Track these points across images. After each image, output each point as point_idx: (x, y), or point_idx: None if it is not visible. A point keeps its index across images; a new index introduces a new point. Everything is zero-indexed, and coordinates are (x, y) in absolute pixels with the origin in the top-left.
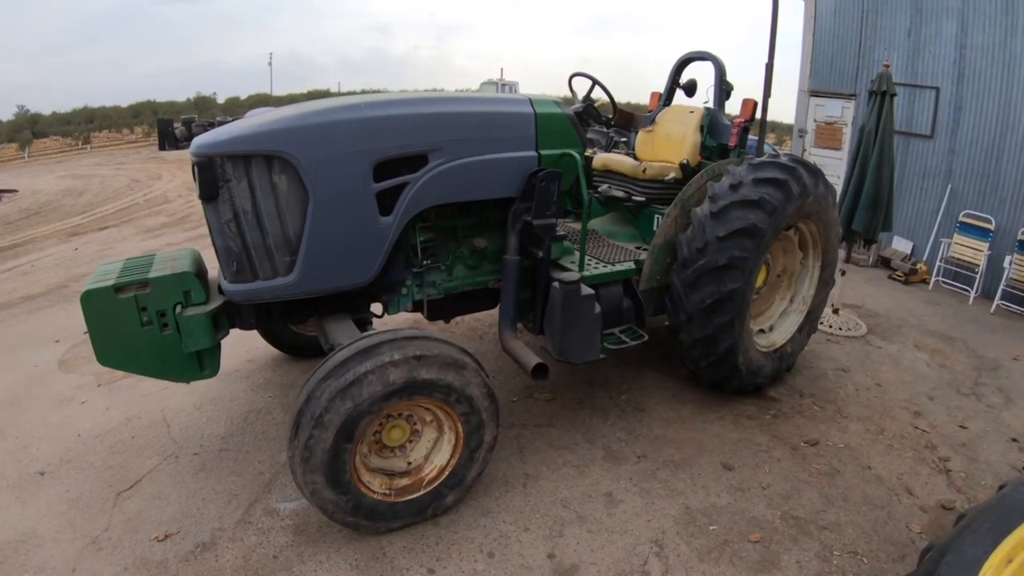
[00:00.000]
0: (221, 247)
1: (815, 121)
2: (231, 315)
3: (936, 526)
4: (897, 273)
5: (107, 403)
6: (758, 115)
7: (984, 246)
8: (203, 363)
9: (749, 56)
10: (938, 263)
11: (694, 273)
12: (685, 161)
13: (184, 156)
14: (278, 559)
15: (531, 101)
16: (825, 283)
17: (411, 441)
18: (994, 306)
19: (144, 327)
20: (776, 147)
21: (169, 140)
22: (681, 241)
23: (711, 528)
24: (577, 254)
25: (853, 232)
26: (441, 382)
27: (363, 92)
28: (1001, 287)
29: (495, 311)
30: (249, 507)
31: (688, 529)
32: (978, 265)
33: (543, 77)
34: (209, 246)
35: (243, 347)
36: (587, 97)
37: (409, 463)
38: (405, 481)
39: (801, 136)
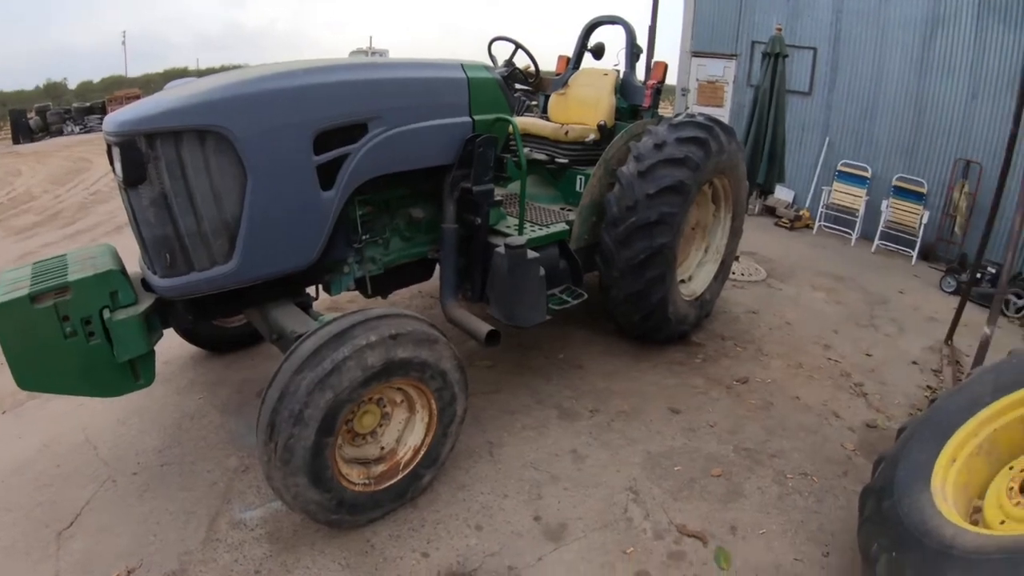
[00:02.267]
0: (149, 238)
1: (697, 80)
2: (163, 314)
3: (866, 443)
4: (783, 220)
5: (17, 431)
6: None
7: (862, 192)
8: (137, 372)
9: (634, 20)
10: (820, 209)
11: (625, 231)
12: (603, 123)
13: (42, 149)
14: (260, 574)
15: (463, 66)
16: (736, 233)
17: (381, 425)
18: (874, 246)
19: (68, 339)
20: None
21: (24, 132)
22: (609, 200)
23: (676, 469)
24: (510, 219)
25: (757, 185)
26: (417, 360)
27: (223, 69)
28: (880, 229)
29: (426, 284)
30: (211, 523)
31: (655, 473)
32: (857, 210)
33: (414, 43)
34: (103, 238)
35: (157, 349)
36: (509, 61)
37: (382, 448)
38: (382, 467)
39: (684, 95)
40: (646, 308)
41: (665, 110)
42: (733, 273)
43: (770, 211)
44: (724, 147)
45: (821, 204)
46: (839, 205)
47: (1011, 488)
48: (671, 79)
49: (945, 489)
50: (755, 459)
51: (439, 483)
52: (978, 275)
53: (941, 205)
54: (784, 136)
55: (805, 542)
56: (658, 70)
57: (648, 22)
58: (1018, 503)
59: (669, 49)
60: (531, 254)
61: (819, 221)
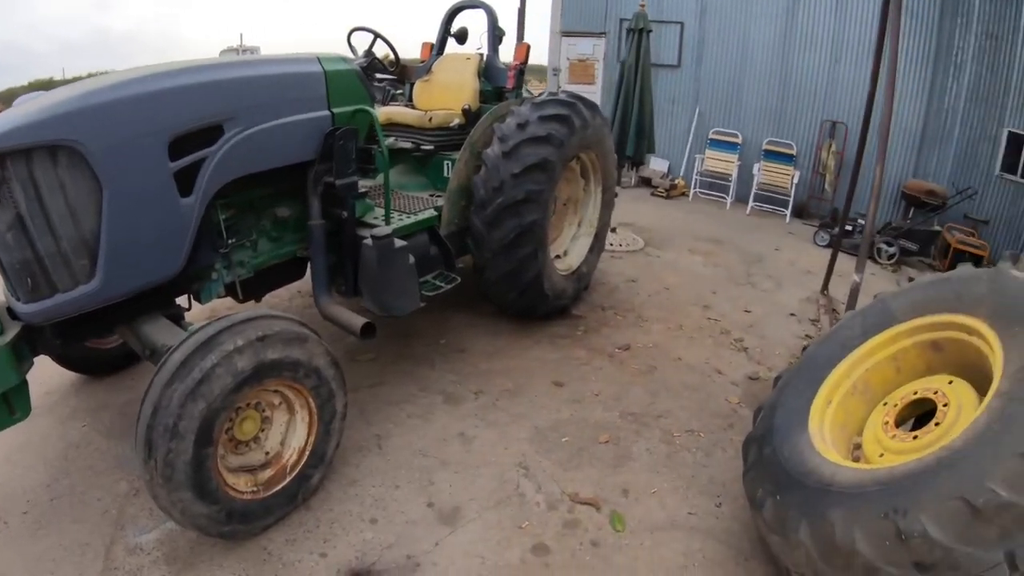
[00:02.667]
0: (8, 263)
1: (568, 59)
2: (32, 342)
3: (749, 395)
4: (659, 190)
5: None
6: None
7: (734, 158)
8: (11, 406)
9: (503, 2)
10: (695, 176)
11: (493, 211)
12: (467, 107)
13: None
14: None
15: (319, 59)
16: (608, 205)
17: (263, 430)
18: (749, 208)
19: None
20: (530, 90)
21: None
22: (476, 183)
23: (564, 440)
24: (378, 210)
25: (627, 158)
26: (288, 359)
27: (90, 76)
28: (753, 191)
29: (304, 283)
30: (107, 552)
31: (544, 446)
32: (730, 175)
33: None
34: None
35: (34, 379)
36: (368, 51)
37: (267, 453)
38: (269, 472)
39: (556, 74)
40: (521, 286)
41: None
42: (611, 244)
43: (646, 182)
44: (588, 122)
45: (695, 172)
46: (713, 171)
47: (886, 423)
48: (542, 59)
49: (823, 430)
50: (642, 422)
51: (329, 481)
52: (849, 227)
53: (810, 165)
54: (652, 109)
55: (697, 496)
56: (521, 51)
57: (517, 4)
58: (894, 436)
59: (539, 30)
60: (399, 243)
61: (694, 188)
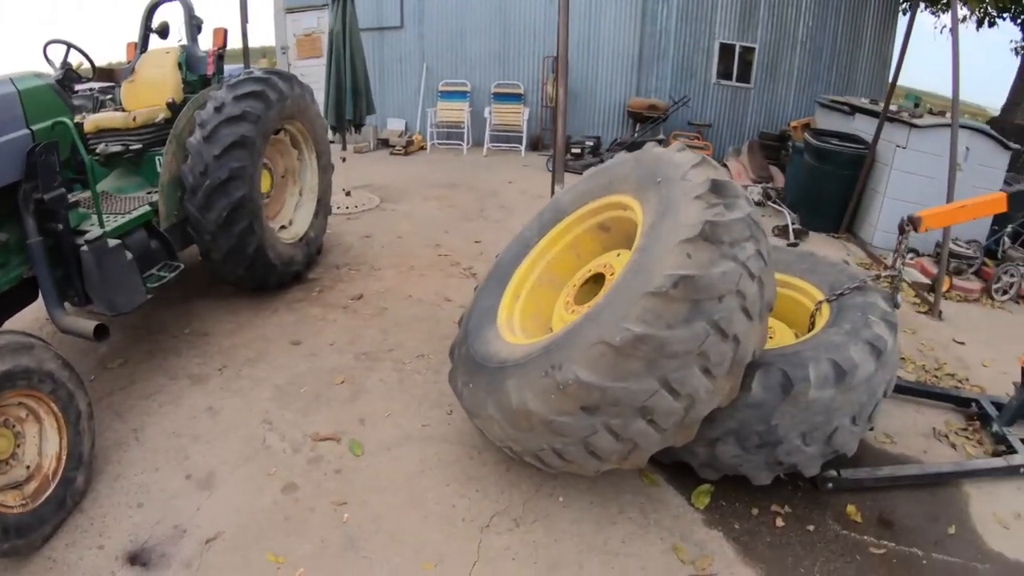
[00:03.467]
0: None
1: (295, 36)
2: None
3: None
4: (397, 149)
5: None
6: (234, 42)
7: (464, 105)
8: None
9: None
10: (430, 129)
11: (203, 195)
12: (171, 100)
13: None
14: None
15: (11, 80)
16: (325, 170)
17: (19, 445)
18: (485, 150)
19: None
20: (255, 68)
21: None
22: (184, 172)
23: (303, 391)
24: (95, 217)
25: (348, 121)
26: (19, 368)
27: None
28: (488, 133)
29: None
30: None
31: (285, 400)
32: (463, 122)
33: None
34: None
35: None
36: (64, 63)
37: (28, 467)
38: (34, 484)
39: (284, 52)
40: (245, 260)
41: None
42: (347, 207)
43: (385, 143)
44: (285, 94)
45: (430, 125)
46: (446, 122)
47: (567, 301)
48: (269, 39)
49: (512, 322)
50: (374, 359)
51: (96, 481)
52: (578, 150)
53: (539, 100)
54: (365, 71)
55: (429, 409)
56: (218, 36)
57: None
58: (573, 311)
59: (265, 10)
60: (112, 242)
61: (430, 141)
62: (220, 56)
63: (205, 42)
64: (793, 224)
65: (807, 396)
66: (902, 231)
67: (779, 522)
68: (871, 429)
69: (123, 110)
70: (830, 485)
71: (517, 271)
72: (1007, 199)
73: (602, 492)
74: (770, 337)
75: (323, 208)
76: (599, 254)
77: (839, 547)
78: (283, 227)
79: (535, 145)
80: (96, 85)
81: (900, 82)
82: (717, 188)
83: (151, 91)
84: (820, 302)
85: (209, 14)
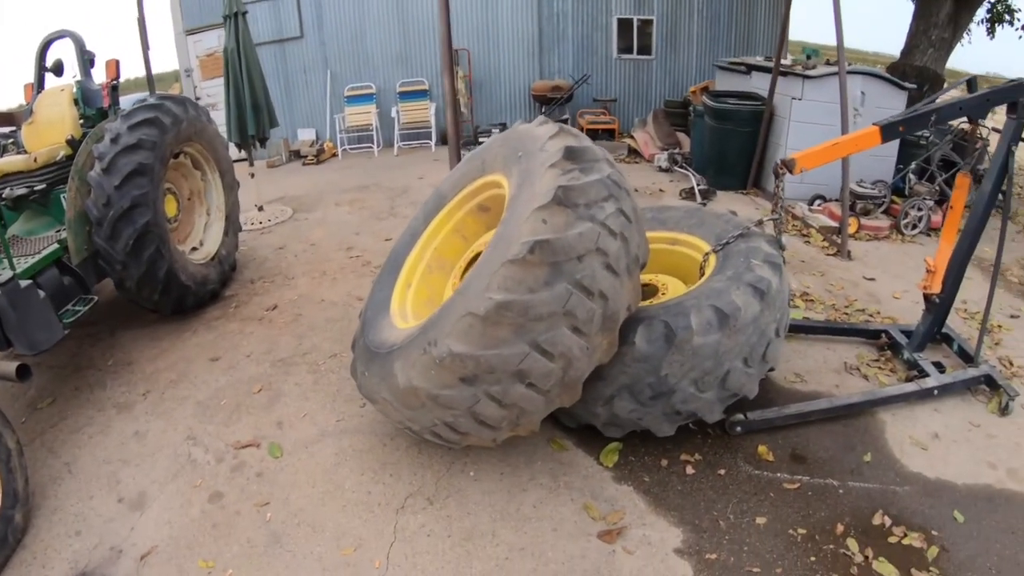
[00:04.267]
0: None
1: (197, 57)
2: None
3: None
4: (308, 159)
5: None
6: (139, 70)
7: (372, 108)
8: None
9: (121, 18)
10: (339, 135)
11: (108, 226)
12: (70, 136)
13: None
14: None
15: None
16: (230, 188)
17: None
18: (396, 149)
19: None
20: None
21: None
22: (88, 206)
23: (222, 403)
24: (6, 261)
25: (251, 137)
26: None
27: None
28: (397, 133)
29: None
30: None
31: (207, 415)
32: (371, 124)
33: None
34: None
35: None
36: None
37: None
38: None
39: (188, 75)
40: (158, 285)
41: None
42: (260, 223)
43: (298, 154)
44: (180, 118)
45: (339, 131)
46: (355, 126)
47: (454, 283)
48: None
49: (405, 309)
50: (290, 363)
51: (35, 516)
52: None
53: (443, 93)
54: (264, 85)
55: (343, 405)
56: (110, 68)
57: (136, 15)
58: None
59: (165, 34)
60: (24, 283)
61: (341, 147)
62: (114, 87)
63: (100, 75)
64: (699, 186)
65: (692, 343)
66: (777, 175)
67: (689, 470)
68: (771, 370)
69: (26, 152)
70: (739, 429)
71: (408, 260)
72: (880, 131)
73: (513, 463)
74: (663, 293)
75: (232, 225)
76: (483, 234)
77: (752, 487)
78: (194, 248)
79: (445, 139)
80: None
81: (798, 37)
82: (572, 154)
83: (51, 130)
84: (707, 253)
85: (109, 44)
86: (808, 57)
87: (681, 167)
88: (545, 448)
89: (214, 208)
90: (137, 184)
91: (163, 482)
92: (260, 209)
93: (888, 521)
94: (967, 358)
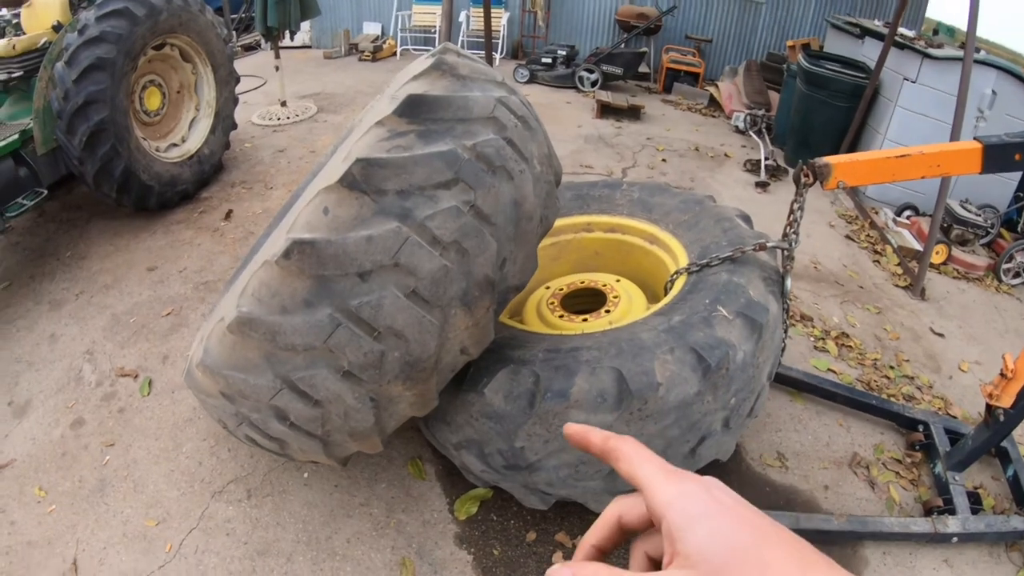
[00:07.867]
0: None
1: None
2: None
3: None
4: (364, 54)
5: None
6: None
7: (438, 9)
8: None
9: None
10: (400, 34)
11: (66, 121)
12: (56, 23)
13: None
14: None
15: None
16: (225, 82)
17: None
18: None
19: None
20: None
21: None
22: (52, 99)
23: (132, 321)
24: None
25: (271, 29)
26: None
27: None
28: (462, 39)
29: None
30: None
31: (114, 331)
32: (434, 26)
33: None
34: None
35: None
36: None
37: None
38: None
39: None
40: (114, 182)
41: None
42: (277, 119)
43: (356, 48)
44: (159, 8)
45: (401, 29)
46: (420, 26)
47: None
48: None
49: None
50: (211, 289)
51: None
52: (549, 60)
53: (520, 4)
54: None
55: None
56: None
57: None
58: None
59: None
60: None
61: (401, 46)
62: None
63: None
64: (767, 160)
65: (563, 416)
66: (798, 184)
67: (559, 557)
68: (722, 462)
69: (24, 34)
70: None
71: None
72: (983, 152)
73: (356, 477)
74: (607, 310)
75: (223, 123)
76: None
77: None
78: (174, 145)
79: (515, 52)
80: (4, 11)
81: (940, 17)
82: (415, 107)
83: (46, 13)
84: (676, 273)
85: None
86: (935, 32)
87: (759, 132)
88: (401, 469)
89: (204, 103)
90: (95, 79)
91: (48, 394)
92: (283, 105)
93: None
94: (1020, 495)
